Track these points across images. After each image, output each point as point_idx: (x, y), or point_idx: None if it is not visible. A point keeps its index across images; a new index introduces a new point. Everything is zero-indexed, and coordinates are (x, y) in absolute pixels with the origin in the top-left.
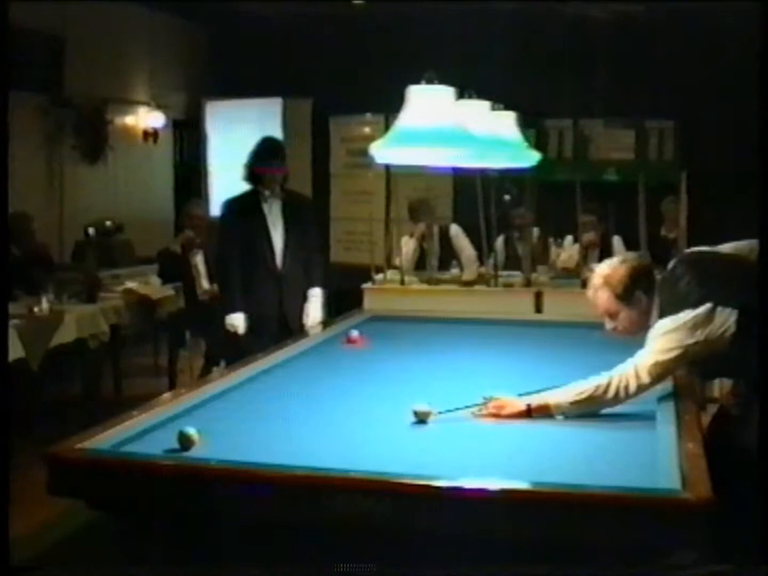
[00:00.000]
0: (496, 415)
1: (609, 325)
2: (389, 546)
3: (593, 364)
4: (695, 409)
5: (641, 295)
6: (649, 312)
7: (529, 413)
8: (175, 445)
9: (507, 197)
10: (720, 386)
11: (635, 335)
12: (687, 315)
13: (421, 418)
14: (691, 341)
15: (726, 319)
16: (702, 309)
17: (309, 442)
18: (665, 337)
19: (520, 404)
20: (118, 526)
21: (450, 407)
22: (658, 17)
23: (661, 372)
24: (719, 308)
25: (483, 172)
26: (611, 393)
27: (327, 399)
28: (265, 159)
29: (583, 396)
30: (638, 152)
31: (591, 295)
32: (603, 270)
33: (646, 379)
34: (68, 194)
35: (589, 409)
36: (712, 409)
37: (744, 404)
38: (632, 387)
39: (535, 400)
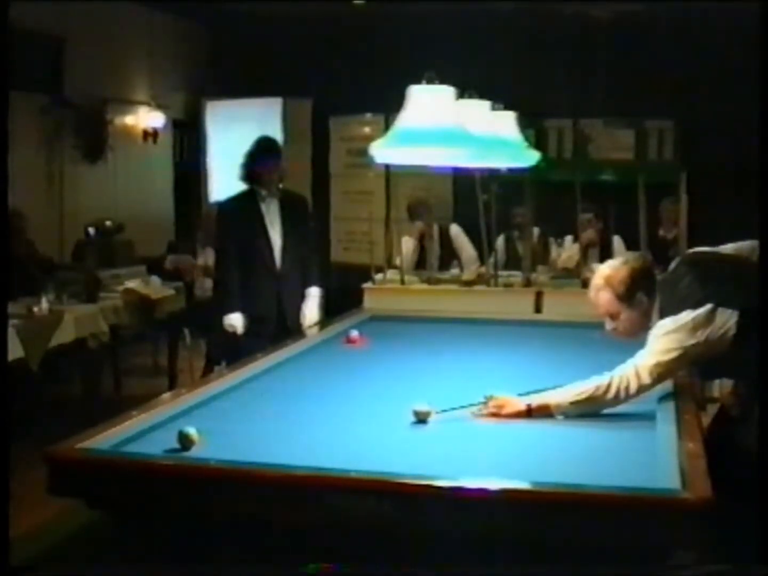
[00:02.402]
0: (496, 415)
1: (610, 326)
2: (389, 546)
3: (593, 364)
4: (695, 409)
5: (642, 296)
6: (650, 313)
7: (529, 413)
8: (175, 445)
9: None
10: (720, 386)
11: (636, 336)
12: (688, 316)
13: (421, 418)
14: (691, 342)
15: (727, 320)
16: (703, 310)
17: (309, 442)
18: (666, 337)
19: (521, 404)
20: (118, 526)
21: (450, 407)
22: (658, 17)
23: (662, 372)
24: (720, 309)
25: (483, 172)
26: (612, 393)
27: (327, 399)
28: (261, 158)
29: (584, 396)
30: (638, 152)
31: (592, 296)
32: (604, 271)
33: (646, 379)
34: (68, 194)
35: (589, 410)
36: (712, 409)
37: (744, 405)
38: (633, 387)
39: (536, 400)
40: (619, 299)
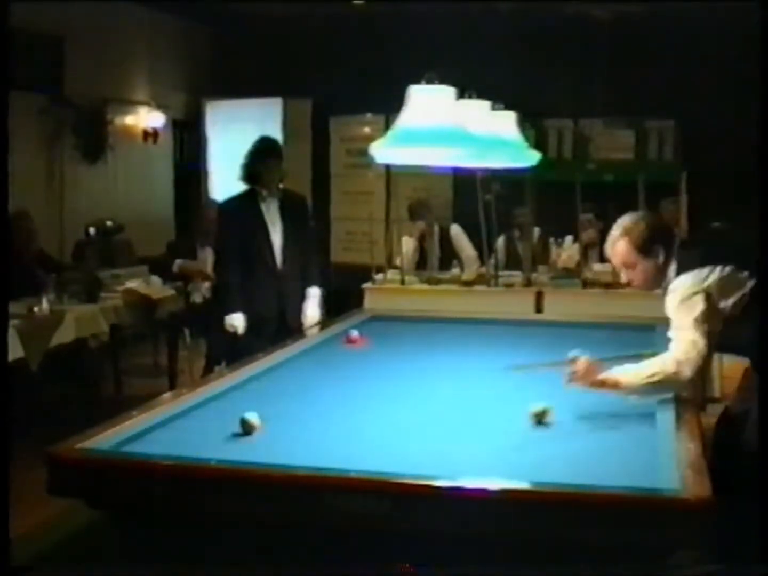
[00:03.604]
0: (580, 381)
1: (625, 277)
2: (389, 546)
3: None
4: (695, 409)
5: (659, 248)
6: (666, 267)
7: (602, 384)
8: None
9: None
10: (720, 386)
11: (651, 290)
12: (710, 272)
13: (247, 430)
14: (720, 304)
15: (744, 283)
16: (726, 268)
17: (309, 442)
18: (695, 303)
19: (597, 374)
20: (118, 526)
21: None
22: (658, 17)
23: (708, 333)
24: (740, 272)
25: (483, 172)
26: (686, 372)
27: (327, 399)
28: (261, 158)
29: (656, 378)
30: (638, 152)
31: (609, 247)
32: (624, 221)
33: (703, 347)
34: (68, 194)
35: (659, 391)
36: (712, 409)
37: (753, 389)
38: (694, 360)
39: (610, 375)
40: (636, 249)
